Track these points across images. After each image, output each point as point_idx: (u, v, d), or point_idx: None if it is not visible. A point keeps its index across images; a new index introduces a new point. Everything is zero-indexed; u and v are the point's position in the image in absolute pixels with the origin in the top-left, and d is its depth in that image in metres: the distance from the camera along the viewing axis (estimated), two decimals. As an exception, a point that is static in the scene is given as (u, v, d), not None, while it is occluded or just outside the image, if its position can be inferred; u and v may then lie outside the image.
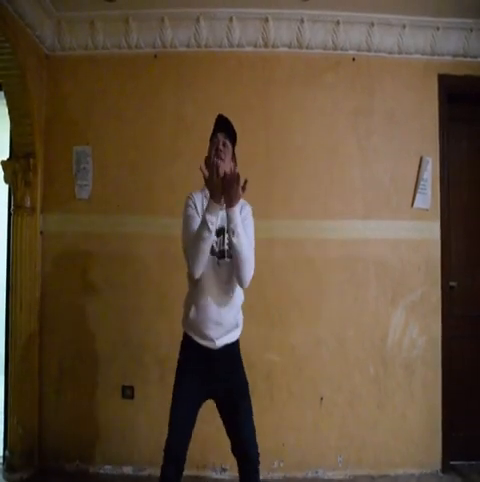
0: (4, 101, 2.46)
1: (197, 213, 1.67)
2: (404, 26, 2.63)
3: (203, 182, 2.43)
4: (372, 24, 2.62)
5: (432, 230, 2.67)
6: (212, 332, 1.64)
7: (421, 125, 2.70)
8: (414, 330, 2.62)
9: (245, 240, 1.58)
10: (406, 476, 2.53)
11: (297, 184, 2.66)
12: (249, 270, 1.61)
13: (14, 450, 2.46)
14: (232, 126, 1.79)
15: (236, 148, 2.59)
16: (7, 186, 2.62)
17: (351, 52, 2.69)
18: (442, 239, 2.68)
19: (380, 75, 2.70)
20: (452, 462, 2.61)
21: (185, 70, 2.66)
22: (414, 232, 2.66)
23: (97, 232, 2.63)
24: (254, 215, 1.76)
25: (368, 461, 2.55)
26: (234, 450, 1.69)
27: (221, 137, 1.74)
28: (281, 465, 2.52)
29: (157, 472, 2.49)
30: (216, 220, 1.56)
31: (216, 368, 1.67)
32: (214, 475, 2.50)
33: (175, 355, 2.55)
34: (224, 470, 2.51)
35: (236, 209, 1.57)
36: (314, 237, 2.64)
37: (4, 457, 2.51)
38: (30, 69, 2.48)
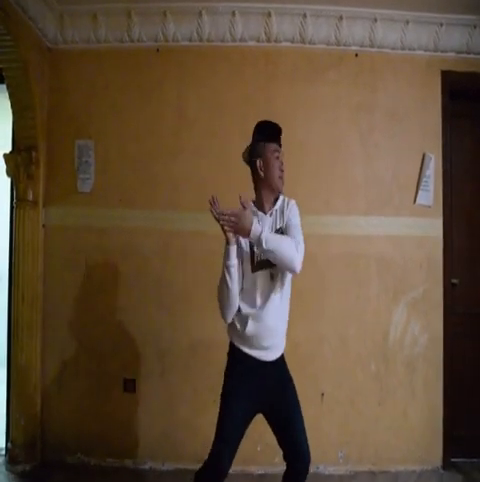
0: (6, 94, 2.46)
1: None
2: (407, 22, 2.62)
3: (205, 178, 2.43)
4: (375, 20, 2.61)
5: (434, 227, 2.67)
6: (268, 342, 1.63)
7: (424, 121, 2.69)
8: (416, 327, 2.62)
9: (277, 245, 1.54)
10: (407, 473, 2.53)
11: (299, 180, 2.65)
12: (292, 257, 1.56)
13: (16, 442, 2.48)
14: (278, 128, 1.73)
15: (238, 143, 2.59)
16: (9, 179, 2.62)
17: (354, 48, 2.68)
18: (444, 236, 2.67)
19: (383, 71, 2.69)
20: (453, 459, 2.60)
21: (187, 64, 2.66)
22: (416, 229, 2.66)
23: (99, 226, 2.63)
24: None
25: (369, 457, 2.55)
26: (288, 457, 1.67)
27: (278, 154, 1.69)
28: (282, 460, 2.51)
29: (158, 465, 2.53)
30: (236, 261, 1.57)
31: (269, 380, 1.65)
32: (214, 470, 2.50)
33: (177, 348, 2.58)
34: (225, 465, 2.52)
35: (254, 231, 1.52)
36: (316, 233, 2.63)
37: (6, 449, 2.52)
38: (32, 62, 2.48)
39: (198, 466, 2.58)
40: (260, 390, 1.62)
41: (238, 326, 1.65)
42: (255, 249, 1.63)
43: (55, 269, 2.65)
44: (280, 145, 1.72)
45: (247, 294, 1.64)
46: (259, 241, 1.53)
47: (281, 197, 1.76)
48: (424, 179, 2.67)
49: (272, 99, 2.66)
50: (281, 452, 2.58)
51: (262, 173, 1.69)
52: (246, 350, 1.63)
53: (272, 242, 1.53)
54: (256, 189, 1.75)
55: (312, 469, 2.49)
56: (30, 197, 2.55)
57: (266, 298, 1.62)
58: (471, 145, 2.83)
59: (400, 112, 2.69)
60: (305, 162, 2.66)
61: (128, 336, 2.59)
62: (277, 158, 1.68)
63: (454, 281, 2.72)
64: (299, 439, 1.65)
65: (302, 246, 1.62)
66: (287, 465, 1.67)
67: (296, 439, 1.65)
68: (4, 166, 2.58)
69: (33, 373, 2.53)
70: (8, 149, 2.62)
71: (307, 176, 2.65)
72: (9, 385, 2.56)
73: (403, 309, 2.63)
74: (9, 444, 2.50)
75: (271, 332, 1.62)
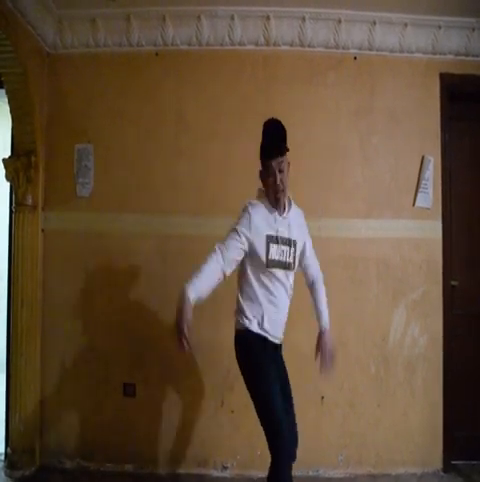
0: (5, 99, 2.46)
1: (254, 229, 1.70)
2: (406, 25, 2.62)
3: (204, 182, 2.43)
4: (374, 23, 2.62)
5: (434, 229, 2.67)
6: (280, 332, 1.82)
7: (423, 124, 2.69)
8: (415, 329, 2.62)
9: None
10: (407, 475, 2.53)
11: (298, 182, 2.63)
12: None
13: (16, 447, 2.47)
14: (281, 135, 1.75)
15: (237, 147, 2.60)
16: (9, 184, 2.62)
17: (353, 51, 2.68)
18: (443, 238, 2.67)
19: (382, 74, 2.70)
20: (453, 462, 2.60)
21: (186, 68, 2.66)
22: (416, 231, 2.66)
23: (98, 230, 2.63)
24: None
25: (369, 460, 2.55)
26: None
27: (276, 163, 1.71)
28: (282, 464, 2.52)
29: (158, 470, 2.53)
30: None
31: (279, 360, 1.85)
32: (215, 473, 2.50)
33: (176, 353, 2.56)
34: (225, 468, 2.51)
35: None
36: (315, 235, 2.60)
37: (6, 454, 2.51)
38: (31, 67, 2.48)
39: (197, 470, 2.59)
40: (276, 364, 1.78)
41: (250, 314, 1.75)
42: (271, 248, 1.71)
43: (54, 273, 2.65)
44: (282, 154, 1.72)
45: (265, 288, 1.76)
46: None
47: (293, 204, 1.86)
48: (423, 181, 2.67)
49: (271, 102, 2.66)
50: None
51: (262, 181, 1.79)
52: (263, 334, 1.75)
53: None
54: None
55: (312, 472, 2.53)
56: (29, 201, 2.55)
57: (281, 296, 1.78)
58: (470, 147, 2.83)
59: (399, 114, 2.69)
60: (304, 165, 2.65)
61: (128, 340, 2.59)
62: (273, 170, 1.71)
63: (453, 283, 2.72)
64: (294, 424, 1.78)
65: None
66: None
67: (293, 424, 1.78)
68: (3, 171, 2.57)
69: (32, 378, 2.53)
70: (7, 154, 2.61)
71: (306, 179, 2.65)
72: (8, 390, 2.55)
73: (403, 311, 2.63)
74: (8, 449, 2.50)
75: (281, 325, 1.82)
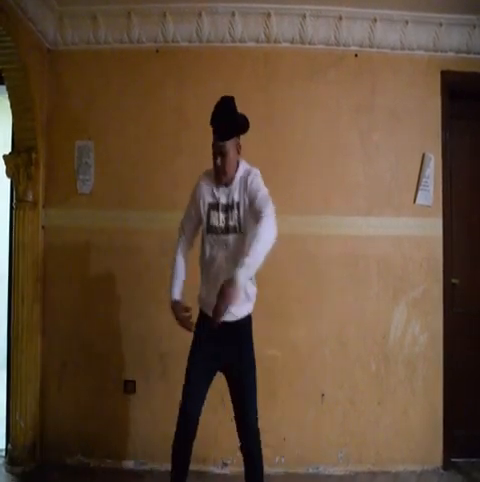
0: (6, 95, 2.46)
1: (198, 199, 1.80)
2: (407, 22, 2.62)
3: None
4: (375, 20, 2.61)
5: (434, 227, 2.67)
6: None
7: (423, 121, 2.69)
8: (416, 327, 2.62)
9: (257, 261, 1.50)
10: (407, 473, 2.53)
11: (298, 179, 2.66)
12: (271, 243, 1.54)
13: (16, 444, 2.48)
14: (226, 119, 1.78)
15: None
16: (9, 180, 2.62)
17: (353, 48, 2.68)
18: (444, 236, 2.67)
19: (382, 71, 2.69)
20: (453, 459, 2.61)
21: (187, 65, 2.66)
22: (416, 229, 2.66)
23: (98, 227, 2.63)
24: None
25: (369, 457, 2.55)
26: (236, 419, 1.79)
27: (216, 146, 1.75)
28: (282, 461, 2.52)
29: (158, 466, 2.53)
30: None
31: (225, 339, 1.74)
32: (215, 470, 2.50)
33: (177, 349, 2.57)
34: (225, 465, 2.52)
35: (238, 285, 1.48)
36: (315, 233, 2.63)
37: (6, 450, 2.52)
38: (32, 63, 2.48)
39: (197, 467, 2.59)
40: (217, 342, 1.73)
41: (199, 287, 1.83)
42: (212, 215, 1.75)
43: (55, 270, 2.65)
44: (221, 139, 1.75)
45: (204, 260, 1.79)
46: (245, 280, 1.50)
47: (242, 166, 1.80)
48: (424, 179, 2.67)
49: (272, 99, 2.66)
50: (281, 454, 2.61)
51: None
52: (205, 310, 1.78)
53: (253, 266, 1.50)
54: None
55: (312, 470, 2.52)
56: (30, 198, 2.55)
57: (219, 264, 1.73)
58: (471, 145, 2.83)
59: (400, 112, 2.69)
60: (305, 162, 2.66)
61: (128, 337, 2.59)
62: (214, 151, 1.76)
63: (454, 281, 2.71)
64: (245, 407, 1.75)
65: (273, 215, 1.59)
66: (237, 429, 1.79)
67: (243, 407, 1.75)
68: (4, 167, 2.58)
69: (33, 374, 2.54)
70: (8, 150, 2.62)
71: (307, 176, 2.66)
72: (9, 386, 2.56)
73: (403, 309, 2.63)
74: (9, 445, 2.50)
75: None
